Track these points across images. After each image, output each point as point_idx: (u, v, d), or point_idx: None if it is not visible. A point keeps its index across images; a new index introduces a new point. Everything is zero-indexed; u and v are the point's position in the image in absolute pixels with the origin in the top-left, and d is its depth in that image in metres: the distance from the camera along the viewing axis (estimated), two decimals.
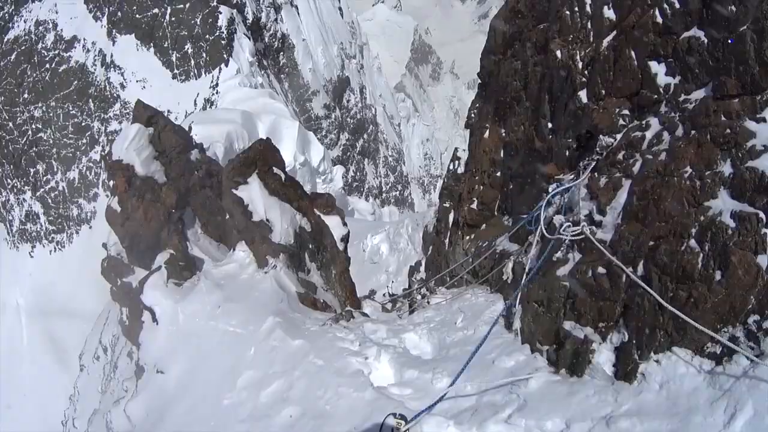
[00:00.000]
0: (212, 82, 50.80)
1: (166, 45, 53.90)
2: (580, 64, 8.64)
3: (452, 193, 16.27)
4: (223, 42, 51.79)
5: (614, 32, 7.99)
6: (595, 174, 7.11)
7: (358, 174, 76.99)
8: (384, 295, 25.47)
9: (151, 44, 54.75)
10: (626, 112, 7.46)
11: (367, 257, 32.32)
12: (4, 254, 56.89)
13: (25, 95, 57.17)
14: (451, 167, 17.80)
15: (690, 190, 5.62)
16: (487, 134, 12.37)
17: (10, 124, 57.00)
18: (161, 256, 13.33)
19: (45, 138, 56.66)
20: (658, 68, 6.95)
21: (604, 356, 6.14)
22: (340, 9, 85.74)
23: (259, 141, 14.15)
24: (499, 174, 11.73)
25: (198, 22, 52.65)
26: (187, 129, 22.20)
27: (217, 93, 49.58)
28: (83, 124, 55.97)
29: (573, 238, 6.79)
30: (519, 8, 11.54)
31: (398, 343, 8.70)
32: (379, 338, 8.99)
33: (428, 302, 11.32)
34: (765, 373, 4.50)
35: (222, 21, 52.20)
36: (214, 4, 52.61)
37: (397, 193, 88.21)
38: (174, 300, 11.81)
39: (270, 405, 7.87)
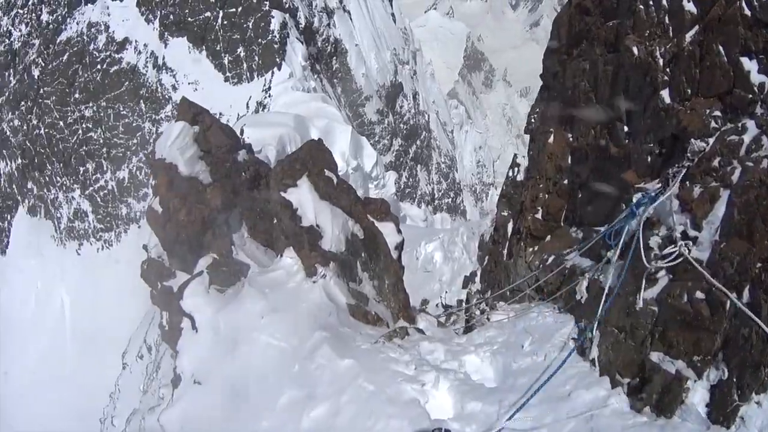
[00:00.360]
0: (265, 85, 50.68)
1: (218, 48, 54.02)
2: (660, 61, 7.82)
3: (511, 201, 15.49)
4: (275, 46, 51.62)
5: (697, 26, 7.22)
6: (687, 183, 6.26)
7: (410, 180, 76.26)
8: (437, 305, 24.78)
9: (203, 47, 54.89)
10: (718, 113, 6.63)
11: (420, 265, 31.55)
12: (51, 251, 57.82)
13: (76, 95, 57.70)
14: (510, 174, 16.92)
15: None
16: (551, 139, 11.56)
17: (61, 123, 57.63)
18: (204, 260, 12.75)
19: (95, 137, 57.13)
20: (750, 65, 6.25)
21: (698, 395, 5.33)
22: (392, 15, 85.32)
23: (311, 141, 13.51)
24: (566, 182, 10.90)
25: (250, 26, 52.62)
26: (239, 132, 21.79)
27: (269, 96, 49.46)
28: (134, 124, 56.42)
29: (669, 264, 5.88)
30: (585, 5, 10.77)
31: (458, 366, 7.93)
32: (436, 360, 8.24)
33: (488, 319, 10.52)
34: None
35: (274, 25, 52.06)
36: (267, 8, 52.57)
37: (450, 200, 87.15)
38: (215, 307, 11.16)
39: None
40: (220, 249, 12.69)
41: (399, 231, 14.33)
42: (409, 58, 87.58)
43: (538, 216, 11.48)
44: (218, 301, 11.32)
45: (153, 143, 50.46)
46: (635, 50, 8.26)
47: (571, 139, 10.85)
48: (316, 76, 54.96)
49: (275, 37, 51.67)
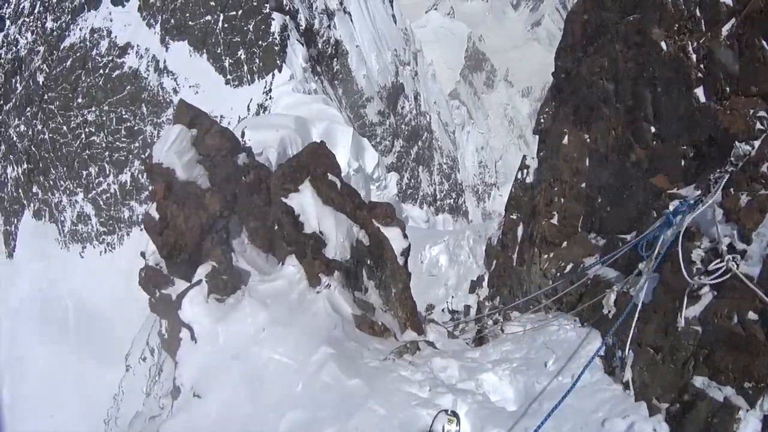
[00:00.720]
0: (265, 87, 50.39)
1: (218, 51, 53.90)
2: (693, 57, 7.24)
3: (520, 204, 14.88)
4: (276, 48, 51.35)
5: (734, 19, 6.63)
6: (731, 190, 5.65)
7: (412, 181, 75.72)
8: (443, 310, 24.15)
9: (204, 50, 54.82)
10: (763, 113, 6.04)
11: (425, 269, 30.84)
12: (55, 254, 58.07)
13: (79, 100, 58.08)
14: (519, 176, 16.23)
15: None
16: (566, 140, 10.95)
17: (65, 127, 58.02)
18: (203, 268, 12.14)
19: (98, 141, 57.53)
20: None
21: (751, 426, 4.74)
22: (393, 16, 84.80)
23: (313, 144, 12.92)
24: (584, 185, 10.28)
25: (251, 29, 52.43)
26: (239, 134, 21.17)
27: (270, 99, 49.11)
28: (136, 128, 56.74)
29: (715, 280, 5.28)
30: None
31: (475, 387, 7.33)
32: (451, 378, 7.64)
33: (502, 330, 9.92)
34: None
35: (275, 27, 51.78)
36: (267, 11, 52.24)
37: (452, 201, 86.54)
38: (215, 318, 10.54)
39: None
40: (219, 256, 12.10)
41: (405, 236, 13.77)
42: (410, 58, 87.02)
43: (554, 221, 10.86)
44: (218, 311, 10.72)
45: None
46: (663, 45, 7.70)
47: (588, 140, 10.26)
48: (316, 78, 54.54)
49: (276, 39, 51.43)
